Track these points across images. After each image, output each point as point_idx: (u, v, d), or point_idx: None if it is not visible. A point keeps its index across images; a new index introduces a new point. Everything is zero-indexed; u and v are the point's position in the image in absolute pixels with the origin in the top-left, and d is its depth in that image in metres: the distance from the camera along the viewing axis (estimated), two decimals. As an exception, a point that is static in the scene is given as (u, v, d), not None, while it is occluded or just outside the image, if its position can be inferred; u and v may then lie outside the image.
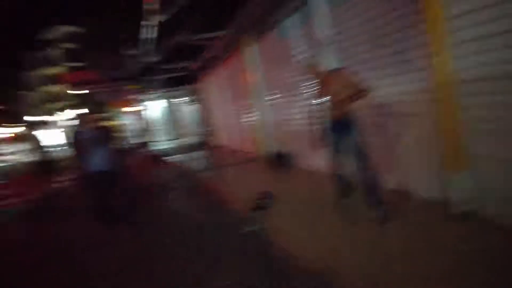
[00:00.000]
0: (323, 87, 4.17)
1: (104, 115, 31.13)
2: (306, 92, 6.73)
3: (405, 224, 3.63)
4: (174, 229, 5.17)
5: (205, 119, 15.60)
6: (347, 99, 3.87)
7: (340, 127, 4.01)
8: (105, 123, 10.91)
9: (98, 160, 5.40)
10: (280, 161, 7.75)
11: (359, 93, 3.80)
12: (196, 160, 11.56)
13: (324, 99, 4.13)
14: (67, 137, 5.70)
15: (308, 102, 6.79)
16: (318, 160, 6.50)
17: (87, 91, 18.97)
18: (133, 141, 25.89)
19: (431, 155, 3.92)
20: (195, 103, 18.89)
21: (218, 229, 4.88)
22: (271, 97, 8.48)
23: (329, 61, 5.57)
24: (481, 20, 3.14)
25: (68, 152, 5.48)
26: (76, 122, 5.56)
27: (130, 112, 27.13)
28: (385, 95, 4.43)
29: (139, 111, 22.64)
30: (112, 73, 18.47)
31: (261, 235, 4.38)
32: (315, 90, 5.57)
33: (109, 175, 5.53)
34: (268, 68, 8.33)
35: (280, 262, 3.59)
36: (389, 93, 4.39)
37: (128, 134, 28.99)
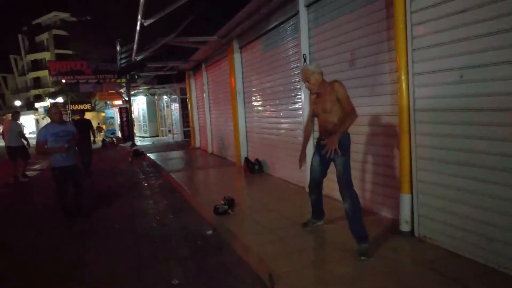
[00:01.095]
0: (316, 98, 3.73)
1: (86, 107, 30.94)
2: (284, 103, 6.93)
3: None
4: (131, 229, 5.25)
5: (188, 120, 15.64)
6: (336, 117, 3.53)
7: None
8: (84, 116, 10.85)
9: (65, 155, 5.42)
10: (254, 168, 7.91)
11: (350, 113, 3.44)
12: (173, 159, 11.61)
13: (315, 112, 3.75)
14: (40, 128, 5.65)
15: (284, 113, 7.01)
16: (291, 171, 6.70)
17: (72, 81, 18.72)
18: (114, 135, 25.72)
19: (393, 176, 4.13)
20: (180, 103, 18.91)
21: (176, 231, 5.00)
22: (250, 105, 8.66)
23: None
24: (434, 56, 3.38)
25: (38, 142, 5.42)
26: (49, 113, 5.53)
27: (115, 106, 26.98)
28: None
29: (123, 105, 22.50)
30: (100, 65, 18.34)
31: (217, 239, 4.53)
32: (306, 100, 5.53)
33: (74, 170, 5.58)
34: (249, 77, 8.52)
35: (228, 265, 3.74)
36: (361, 113, 4.60)
37: (111, 128, 28.77)
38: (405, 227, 3.75)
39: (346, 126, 3.41)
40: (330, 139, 3.39)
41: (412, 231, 3.72)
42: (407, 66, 3.63)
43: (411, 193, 3.70)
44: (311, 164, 3.93)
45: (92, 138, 10.57)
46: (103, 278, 3.70)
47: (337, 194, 5.24)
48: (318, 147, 3.78)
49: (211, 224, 4.98)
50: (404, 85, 3.66)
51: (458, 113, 3.22)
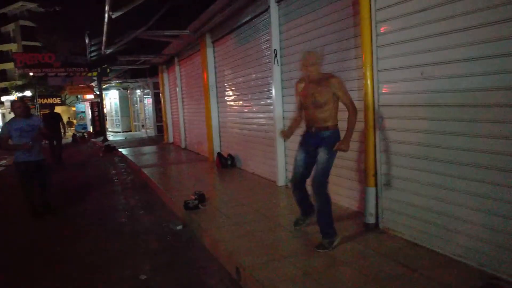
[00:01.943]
0: (305, 90, 3.53)
1: (55, 101, 29.98)
2: (256, 98, 6.96)
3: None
4: (100, 225, 5.18)
5: (161, 115, 15.43)
6: (327, 114, 3.39)
7: (311, 140, 3.52)
8: (54, 110, 10.56)
9: (31, 150, 5.25)
10: (226, 163, 7.91)
11: (353, 110, 3.32)
12: (145, 154, 11.45)
13: (304, 104, 3.54)
14: (3, 123, 5.44)
15: (257, 108, 7.03)
16: (263, 166, 6.75)
17: (40, 74, 18.07)
18: (86, 130, 25.08)
19: (360, 170, 4.22)
20: (153, 97, 18.62)
21: (146, 227, 4.97)
22: (223, 100, 8.63)
23: (275, 73, 5.83)
24: (397, 53, 3.48)
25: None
26: (13, 108, 5.34)
27: (86, 100, 26.27)
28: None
29: (95, 100, 21.96)
30: (69, 58, 17.76)
31: (186, 234, 4.53)
32: (277, 95, 5.60)
33: (40, 165, 5.42)
34: (222, 71, 8.49)
35: (197, 259, 3.75)
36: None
37: (82, 122, 28.02)
38: (370, 220, 3.85)
39: (354, 126, 3.35)
40: (345, 143, 3.30)
41: (377, 223, 3.83)
42: (372, 62, 3.72)
43: (376, 186, 3.81)
44: (295, 160, 3.69)
45: (62, 131, 10.61)
46: (70, 275, 3.64)
47: (310, 189, 5.34)
48: (304, 143, 3.62)
49: (181, 219, 4.97)
50: (369, 81, 3.74)
51: (420, 109, 3.33)
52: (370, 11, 3.67)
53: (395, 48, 3.52)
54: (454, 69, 2.97)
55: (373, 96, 3.74)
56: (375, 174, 3.79)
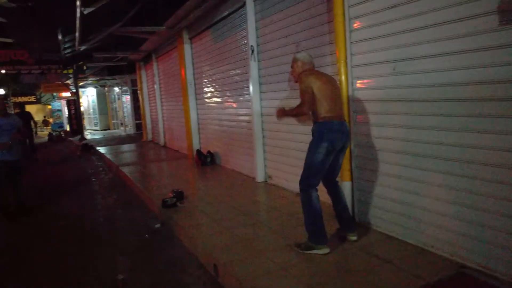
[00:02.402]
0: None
1: (30, 99, 29.12)
2: (235, 95, 6.94)
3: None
4: (77, 225, 5.10)
5: (140, 112, 15.22)
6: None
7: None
8: (25, 109, 10.32)
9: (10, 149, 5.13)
10: (205, 160, 7.88)
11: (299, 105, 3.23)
12: (124, 153, 11.29)
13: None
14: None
15: (236, 104, 7.02)
16: (243, 162, 6.75)
17: (12, 71, 17.51)
18: (62, 128, 24.51)
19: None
20: (132, 95, 18.33)
21: (124, 226, 4.91)
22: (202, 96, 8.58)
23: (252, 69, 5.83)
24: (370, 49, 3.54)
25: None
26: None
27: (62, 98, 25.66)
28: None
29: (71, 97, 21.45)
30: (43, 55, 17.25)
31: (165, 232, 4.50)
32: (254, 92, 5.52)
33: (16, 165, 5.29)
34: (200, 68, 8.43)
35: (175, 257, 3.73)
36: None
37: (58, 121, 27.37)
38: (346, 213, 3.91)
39: (290, 112, 3.34)
40: (281, 109, 3.45)
41: (353, 216, 3.89)
42: (346, 58, 3.76)
43: (351, 180, 3.87)
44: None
45: (34, 130, 10.88)
46: (46, 276, 3.57)
47: (286, 184, 5.39)
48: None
49: (159, 217, 4.93)
50: (343, 77, 3.79)
51: (393, 104, 3.39)
52: (344, 8, 3.72)
53: (368, 44, 3.57)
54: (425, 64, 3.04)
55: (348, 92, 3.79)
56: (350, 169, 3.85)
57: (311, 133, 3.33)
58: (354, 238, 3.41)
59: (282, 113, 3.46)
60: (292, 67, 3.51)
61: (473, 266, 2.75)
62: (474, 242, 2.77)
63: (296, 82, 3.44)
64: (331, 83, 3.32)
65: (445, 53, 2.86)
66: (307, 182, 3.22)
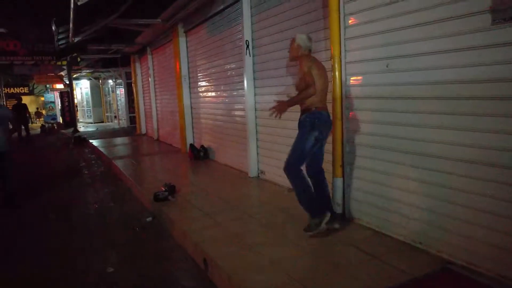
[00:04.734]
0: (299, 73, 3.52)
1: (23, 90, 28.82)
2: (229, 89, 6.92)
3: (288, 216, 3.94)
4: (67, 218, 5.08)
5: (133, 105, 15.14)
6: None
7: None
8: (20, 101, 10.21)
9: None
10: (199, 154, 7.86)
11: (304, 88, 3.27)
12: (117, 146, 11.23)
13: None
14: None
15: (230, 99, 7.00)
16: (236, 157, 6.74)
17: (5, 62, 17.29)
18: (55, 121, 24.32)
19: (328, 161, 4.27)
20: (126, 88, 18.21)
21: (115, 219, 4.90)
22: (196, 90, 8.55)
23: (247, 64, 5.81)
24: (364, 46, 3.54)
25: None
26: None
27: (55, 90, 25.43)
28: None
29: (64, 89, 21.27)
30: (36, 46, 17.05)
31: (156, 225, 4.49)
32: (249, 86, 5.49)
33: (4, 157, 5.25)
34: (195, 61, 8.39)
35: (165, 251, 3.73)
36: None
37: (51, 113, 27.15)
38: (337, 209, 3.92)
39: (295, 99, 3.30)
40: (280, 102, 3.33)
41: (344, 212, 3.91)
42: (340, 54, 3.76)
43: (343, 177, 3.88)
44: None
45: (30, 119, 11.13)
46: (35, 269, 3.55)
47: (278, 179, 5.40)
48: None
49: (151, 211, 4.92)
50: (337, 74, 3.78)
51: (386, 101, 3.39)
52: (339, 4, 3.70)
53: (362, 41, 3.57)
54: (416, 62, 3.05)
55: (341, 88, 3.78)
56: (342, 165, 3.86)
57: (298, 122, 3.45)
58: (337, 226, 3.56)
59: (285, 105, 3.29)
60: (290, 45, 3.61)
61: (460, 263, 2.78)
62: (461, 239, 2.80)
63: (291, 60, 3.70)
64: (325, 74, 3.47)
65: (438, 51, 2.87)
66: (296, 166, 3.39)
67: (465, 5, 2.64)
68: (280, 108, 3.32)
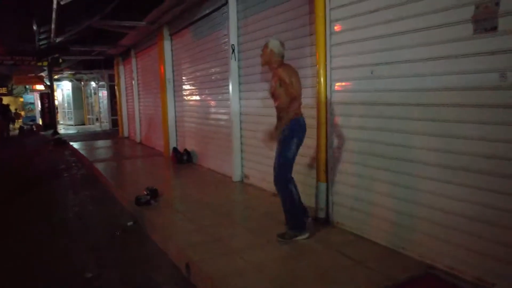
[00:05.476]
0: (272, 80, 3.54)
1: (1, 91, 28.07)
2: (214, 93, 6.90)
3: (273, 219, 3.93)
4: (46, 221, 4.94)
5: (116, 108, 14.92)
6: (279, 102, 3.42)
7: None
8: (2, 101, 9.95)
9: None
10: (182, 158, 7.78)
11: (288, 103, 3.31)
12: (98, 149, 11.03)
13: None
14: None
15: (214, 103, 6.97)
16: (219, 161, 6.70)
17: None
18: (35, 122, 23.74)
19: (313, 166, 4.28)
20: (109, 90, 17.94)
21: (95, 223, 4.80)
22: (180, 94, 8.49)
23: (232, 68, 5.80)
24: (349, 52, 3.59)
25: None
26: None
27: (35, 91, 24.85)
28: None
29: (45, 91, 20.80)
30: (17, 46, 16.63)
31: (137, 230, 4.41)
32: (234, 91, 5.47)
33: None
34: (180, 65, 8.33)
35: (146, 256, 3.66)
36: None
37: (30, 114, 26.50)
38: (321, 214, 3.94)
39: (283, 121, 3.32)
40: (269, 132, 3.40)
41: (327, 217, 3.92)
42: (326, 60, 3.79)
43: (327, 182, 3.90)
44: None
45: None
46: (12, 273, 3.44)
47: (262, 184, 5.38)
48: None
49: (132, 215, 4.83)
50: (322, 79, 3.82)
51: (370, 107, 3.43)
52: (325, 10, 3.75)
53: (347, 47, 3.61)
54: (399, 69, 3.10)
55: (326, 94, 3.81)
56: (326, 170, 3.88)
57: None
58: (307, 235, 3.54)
59: (275, 133, 3.35)
60: (263, 50, 3.55)
61: (442, 268, 2.81)
62: (443, 244, 2.84)
63: (263, 65, 3.64)
64: (299, 78, 3.45)
65: (420, 59, 2.92)
66: (285, 178, 3.41)
67: (447, 15, 2.70)
68: (272, 137, 3.40)
